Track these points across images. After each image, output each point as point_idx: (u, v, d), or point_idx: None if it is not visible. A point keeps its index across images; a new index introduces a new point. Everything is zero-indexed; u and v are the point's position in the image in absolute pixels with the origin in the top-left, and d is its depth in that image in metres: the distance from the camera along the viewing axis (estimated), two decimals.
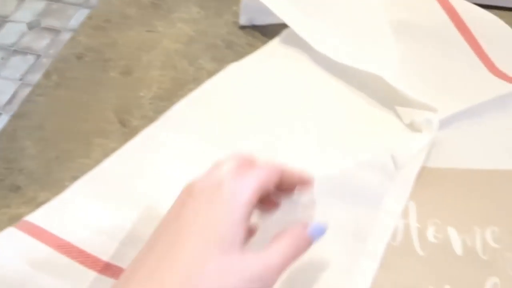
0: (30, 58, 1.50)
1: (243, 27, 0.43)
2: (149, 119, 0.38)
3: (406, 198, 0.31)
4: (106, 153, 0.36)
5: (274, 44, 0.41)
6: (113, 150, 0.36)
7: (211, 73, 0.40)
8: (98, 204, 0.33)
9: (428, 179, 0.32)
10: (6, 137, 0.38)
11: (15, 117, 0.40)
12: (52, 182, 0.35)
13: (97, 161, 0.35)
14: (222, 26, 0.44)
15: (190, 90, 0.39)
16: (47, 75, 0.42)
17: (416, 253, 0.29)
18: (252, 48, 0.42)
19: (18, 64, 1.49)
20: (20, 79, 1.45)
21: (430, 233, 0.30)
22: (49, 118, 0.39)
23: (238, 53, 0.42)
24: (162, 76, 0.41)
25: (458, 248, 0.29)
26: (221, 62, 0.41)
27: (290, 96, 0.38)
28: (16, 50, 1.53)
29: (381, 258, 0.29)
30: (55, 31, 1.56)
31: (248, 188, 0.23)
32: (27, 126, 0.39)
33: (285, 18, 0.39)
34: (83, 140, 0.37)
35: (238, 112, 0.37)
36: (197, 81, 0.40)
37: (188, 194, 0.24)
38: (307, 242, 0.24)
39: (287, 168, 0.25)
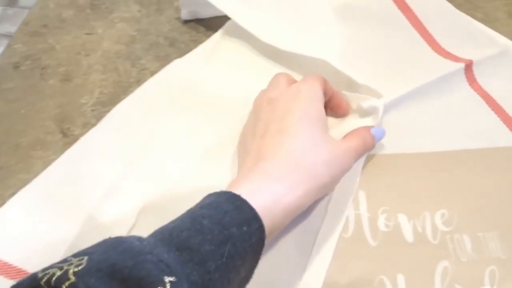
0: None
1: (186, 22, 0.42)
2: (92, 127, 0.36)
3: (355, 188, 0.30)
4: (47, 166, 0.34)
5: (217, 38, 0.39)
6: None
7: (154, 73, 0.39)
8: (37, 219, 0.31)
9: (376, 166, 0.31)
10: None
11: None
12: None
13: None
14: (164, 23, 0.42)
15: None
16: None
17: (368, 243, 0.29)
18: (196, 43, 0.40)
19: None
20: None
21: (381, 222, 0.29)
22: None
23: (182, 50, 0.40)
24: (104, 81, 0.39)
25: (409, 235, 0.29)
26: (164, 61, 0.39)
27: (237, 89, 0.36)
28: None
29: (333, 251, 0.28)
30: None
31: (317, 87, 0.30)
32: None
33: (225, 10, 0.38)
34: (23, 154, 0.35)
35: (183, 109, 0.36)
36: (140, 83, 0.38)
37: (269, 101, 0.30)
38: (372, 140, 0.30)
39: (328, 83, 0.32)
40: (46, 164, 0.34)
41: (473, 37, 0.36)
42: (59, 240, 0.30)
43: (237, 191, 0.24)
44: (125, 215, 0.31)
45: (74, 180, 0.33)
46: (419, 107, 0.34)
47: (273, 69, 0.37)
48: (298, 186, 0.26)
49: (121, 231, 0.31)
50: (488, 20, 0.40)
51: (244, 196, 0.23)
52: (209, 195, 0.24)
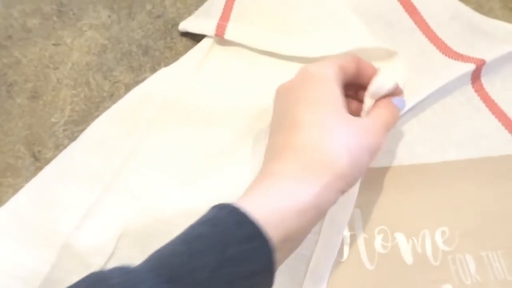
0: None
1: (158, 28, 0.39)
2: (64, 148, 0.34)
3: (351, 207, 0.28)
4: None
5: (207, 45, 0.36)
6: None
7: (128, 86, 0.36)
8: (9, 247, 0.29)
9: (371, 181, 0.29)
10: None
11: None
12: None
13: None
14: (136, 29, 0.39)
15: (107, 108, 0.35)
16: None
17: (364, 267, 0.27)
18: (171, 51, 0.37)
19: None
20: None
21: (378, 243, 0.27)
22: None
23: (157, 59, 0.37)
24: (75, 96, 0.36)
25: (408, 256, 0.27)
26: (138, 72, 0.37)
27: (231, 101, 0.33)
28: None
29: (328, 278, 0.26)
30: None
31: (328, 67, 0.26)
32: None
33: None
34: None
35: (168, 124, 0.33)
36: (113, 97, 0.36)
37: (283, 92, 0.27)
38: (396, 109, 0.27)
39: (362, 60, 0.28)
40: (17, 191, 0.32)
41: (487, 33, 0.33)
42: (33, 270, 0.28)
43: (241, 202, 0.21)
44: (103, 241, 0.29)
45: (47, 205, 0.31)
46: (416, 113, 0.31)
47: (271, 76, 0.34)
48: (312, 182, 0.22)
49: (99, 260, 0.29)
50: (481, 12, 0.37)
51: (249, 207, 0.20)
52: (213, 207, 0.21)
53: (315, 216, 0.22)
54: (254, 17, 0.36)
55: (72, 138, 0.34)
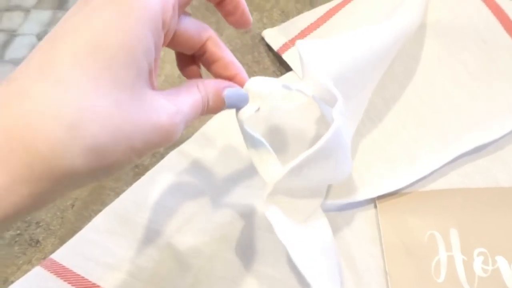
0: None
1: (246, 44, 0.40)
2: (160, 157, 0.36)
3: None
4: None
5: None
6: None
7: None
8: (118, 243, 0.32)
9: (468, 201, 0.29)
10: None
11: None
12: (70, 233, 0.34)
13: None
14: (224, 43, 0.40)
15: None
16: None
17: None
18: (259, 65, 0.39)
19: None
20: None
21: (478, 265, 0.27)
22: None
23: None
24: None
25: (510, 282, 0.26)
26: None
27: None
28: None
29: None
30: None
31: None
32: None
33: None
34: (95, 186, 0.36)
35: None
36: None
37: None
38: (219, 103, 0.21)
39: None
40: (119, 195, 0.35)
41: None
42: (139, 265, 0.30)
43: None
44: (203, 244, 0.31)
45: (151, 208, 0.33)
46: None
47: None
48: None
49: (199, 262, 0.31)
50: None
51: None
52: None
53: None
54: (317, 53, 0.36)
55: (168, 148, 0.36)
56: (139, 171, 0.36)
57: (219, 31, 0.41)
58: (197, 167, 0.34)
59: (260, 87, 0.23)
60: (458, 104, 0.32)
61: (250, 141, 0.24)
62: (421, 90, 0.34)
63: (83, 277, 0.30)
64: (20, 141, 0.14)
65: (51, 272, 0.30)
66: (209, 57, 0.22)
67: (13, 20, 1.65)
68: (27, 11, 1.66)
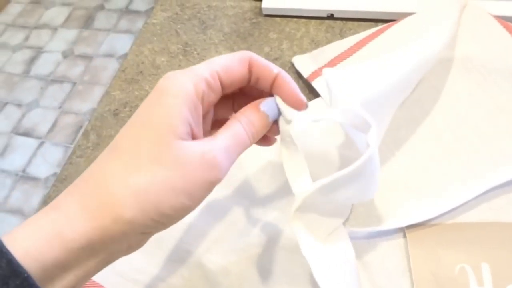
0: (67, 86, 1.55)
1: None
2: None
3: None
4: None
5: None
6: None
7: None
8: (149, 262, 0.32)
9: (501, 236, 0.28)
10: None
11: (58, 181, 0.40)
12: None
13: None
14: None
15: None
16: (85, 135, 0.42)
17: None
18: None
19: (56, 93, 1.54)
20: (59, 107, 1.50)
21: None
22: None
23: None
24: None
25: None
26: None
27: None
28: (53, 80, 1.59)
29: None
30: (87, 57, 1.60)
31: (187, 82, 0.21)
32: None
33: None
34: None
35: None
36: None
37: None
38: (263, 119, 0.23)
39: (257, 57, 0.23)
40: None
41: None
42: (168, 283, 0.31)
43: (13, 232, 0.19)
44: (230, 264, 0.32)
45: (182, 229, 0.34)
46: None
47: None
48: (87, 221, 0.19)
49: (226, 280, 0.31)
50: None
51: (11, 241, 0.18)
52: None
53: (91, 255, 0.19)
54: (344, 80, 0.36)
55: None
56: None
57: None
58: (226, 188, 0.35)
59: (303, 118, 0.23)
60: (489, 137, 0.32)
61: (288, 152, 0.24)
62: (450, 122, 0.34)
63: None
64: (111, 201, 0.19)
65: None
66: (253, 78, 0.24)
67: (41, 37, 1.72)
68: (54, 29, 1.73)
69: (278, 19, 0.45)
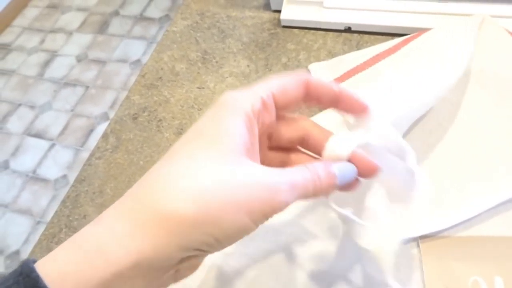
0: (80, 90, 1.58)
1: None
2: None
3: None
4: None
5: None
6: None
7: None
8: None
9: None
10: (70, 202, 0.39)
11: (77, 181, 0.41)
12: None
13: None
14: None
15: None
16: (105, 137, 0.43)
17: None
18: None
19: (69, 96, 1.57)
20: (71, 110, 1.52)
21: None
22: (108, 183, 0.40)
23: None
24: None
25: None
26: None
27: None
28: (66, 83, 1.61)
29: None
30: (101, 62, 1.63)
31: (246, 99, 0.21)
32: (88, 192, 0.40)
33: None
34: None
35: None
36: None
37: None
38: (330, 178, 0.21)
39: (314, 80, 0.23)
40: None
41: None
42: (185, 283, 0.31)
43: (50, 256, 0.17)
44: (243, 268, 0.32)
45: None
46: None
47: None
48: (136, 234, 0.17)
49: (240, 284, 0.32)
50: None
51: (51, 264, 0.17)
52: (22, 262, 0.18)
53: (139, 275, 0.17)
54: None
55: None
56: None
57: (268, 67, 0.44)
58: None
59: (342, 147, 0.23)
60: (503, 152, 0.33)
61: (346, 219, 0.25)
62: (465, 136, 0.34)
63: None
64: (141, 197, 0.18)
65: None
66: (312, 143, 0.24)
67: (56, 41, 1.75)
68: (69, 33, 1.76)
69: (296, 30, 0.46)
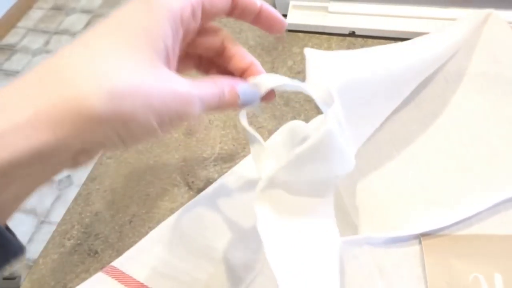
0: None
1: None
2: (214, 181, 0.39)
3: None
4: None
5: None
6: None
7: (271, 132, 0.41)
8: (175, 254, 0.34)
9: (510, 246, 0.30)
10: (82, 200, 0.41)
11: (89, 180, 0.42)
12: (127, 246, 0.36)
13: None
14: None
15: None
16: None
17: None
18: (311, 104, 0.42)
19: None
20: None
21: None
22: (119, 182, 0.41)
23: (297, 110, 0.42)
24: (223, 136, 0.42)
25: None
26: (280, 120, 0.41)
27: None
28: None
29: None
30: None
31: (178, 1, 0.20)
32: (100, 190, 0.41)
33: None
34: (152, 204, 0.39)
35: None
36: None
37: None
38: (233, 96, 0.23)
39: None
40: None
41: None
42: (193, 276, 0.33)
43: None
44: (253, 260, 0.33)
45: (205, 224, 0.35)
46: None
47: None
48: (33, 107, 0.16)
49: (248, 276, 0.33)
50: None
51: None
52: None
53: (37, 164, 0.17)
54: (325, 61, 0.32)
55: (221, 173, 0.39)
56: (193, 194, 0.39)
57: (273, 70, 0.45)
58: (249, 187, 0.37)
59: (271, 81, 0.25)
60: (502, 151, 0.34)
61: (251, 138, 0.26)
62: (464, 135, 0.35)
63: (142, 283, 0.33)
64: (49, 82, 0.17)
65: (113, 277, 0.33)
66: (227, 54, 0.25)
67: (60, 43, 1.77)
68: (74, 35, 1.78)
69: (301, 34, 0.48)
